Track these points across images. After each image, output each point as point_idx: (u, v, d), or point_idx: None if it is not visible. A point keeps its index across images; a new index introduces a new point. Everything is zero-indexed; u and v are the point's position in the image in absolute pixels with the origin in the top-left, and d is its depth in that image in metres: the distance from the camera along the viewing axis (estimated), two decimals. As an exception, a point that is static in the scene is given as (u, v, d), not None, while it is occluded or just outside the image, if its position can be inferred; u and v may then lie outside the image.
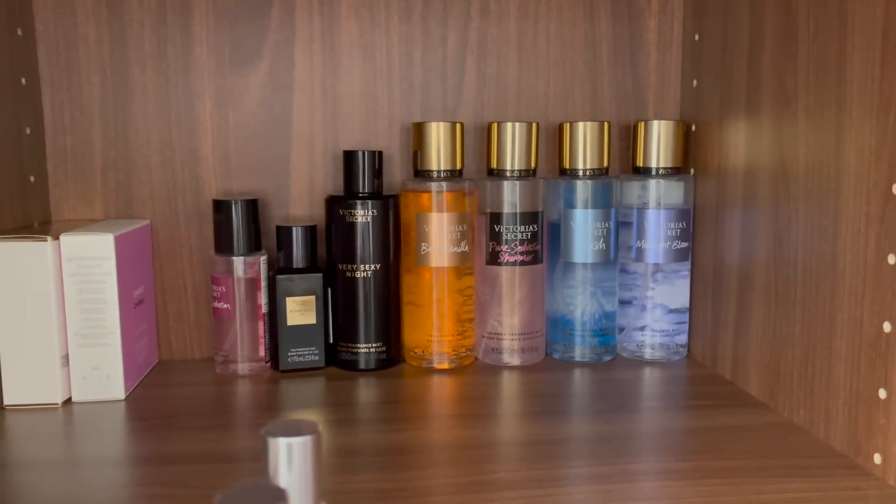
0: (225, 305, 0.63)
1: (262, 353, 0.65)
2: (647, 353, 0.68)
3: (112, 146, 0.67)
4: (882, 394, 0.44)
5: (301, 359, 0.64)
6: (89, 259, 0.57)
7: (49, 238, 0.56)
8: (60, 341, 0.57)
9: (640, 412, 0.56)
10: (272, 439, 0.29)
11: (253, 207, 0.63)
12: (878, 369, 0.44)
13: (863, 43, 0.45)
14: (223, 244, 0.63)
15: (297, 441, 0.29)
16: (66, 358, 0.58)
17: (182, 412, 0.56)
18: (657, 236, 0.66)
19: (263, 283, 0.64)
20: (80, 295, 0.57)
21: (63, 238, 0.56)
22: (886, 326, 0.43)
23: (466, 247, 0.65)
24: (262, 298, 0.64)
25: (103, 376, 0.58)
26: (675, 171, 0.67)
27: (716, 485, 0.43)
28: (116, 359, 0.58)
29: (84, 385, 0.58)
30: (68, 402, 0.58)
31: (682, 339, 0.69)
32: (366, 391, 0.61)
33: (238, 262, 0.63)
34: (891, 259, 0.43)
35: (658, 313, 0.67)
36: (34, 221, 0.64)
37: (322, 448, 0.30)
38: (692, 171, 0.68)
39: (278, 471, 0.29)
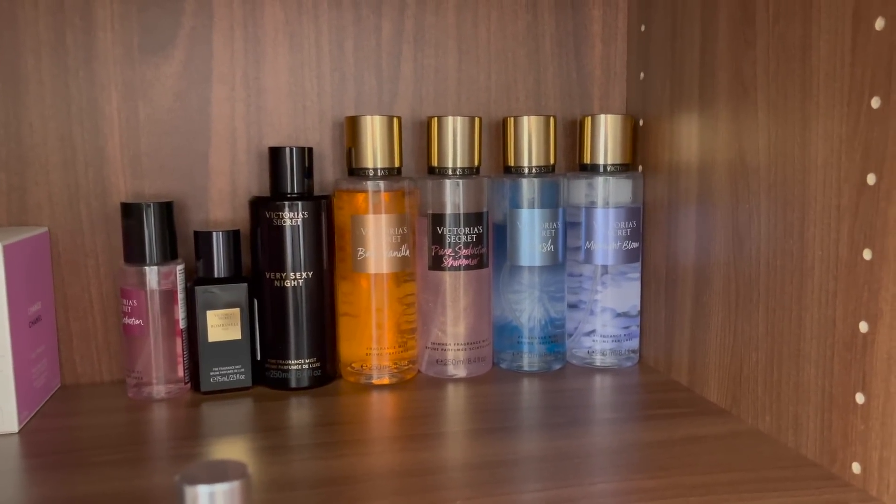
0: (137, 321, 0.56)
1: (180, 373, 0.58)
2: (598, 360, 0.65)
3: (2, 144, 0.59)
4: (860, 398, 0.41)
5: (225, 378, 0.58)
6: (-28, 272, 0.49)
7: (-78, 249, 0.48)
8: (-61, 368, 0.49)
9: (597, 425, 0.53)
10: (190, 487, 0.24)
11: (167, 211, 0.57)
12: (854, 372, 0.41)
13: (830, 27, 0.42)
14: (134, 253, 0.56)
15: (221, 489, 0.24)
16: (-54, 387, 0.50)
17: (88, 445, 0.49)
18: (606, 236, 0.63)
19: (181, 296, 0.57)
20: (-37, 314, 0.49)
21: (-60, 248, 0.49)
22: (863, 326, 0.40)
23: (407, 251, 0.60)
24: (180, 312, 0.57)
25: (-8, 407, 0.51)
26: (623, 168, 0.63)
27: (691, 505, 0.40)
28: (7, 386, 0.51)
29: (-31, 418, 0.50)
30: (-50, 438, 0.50)
31: (633, 343, 0.65)
32: (298, 412, 0.55)
33: (151, 273, 0.56)
34: (866, 254, 0.40)
35: (607, 317, 0.64)
36: None
37: (252, 495, 0.24)
38: (640, 167, 0.65)
39: (198, 527, 0.24)
